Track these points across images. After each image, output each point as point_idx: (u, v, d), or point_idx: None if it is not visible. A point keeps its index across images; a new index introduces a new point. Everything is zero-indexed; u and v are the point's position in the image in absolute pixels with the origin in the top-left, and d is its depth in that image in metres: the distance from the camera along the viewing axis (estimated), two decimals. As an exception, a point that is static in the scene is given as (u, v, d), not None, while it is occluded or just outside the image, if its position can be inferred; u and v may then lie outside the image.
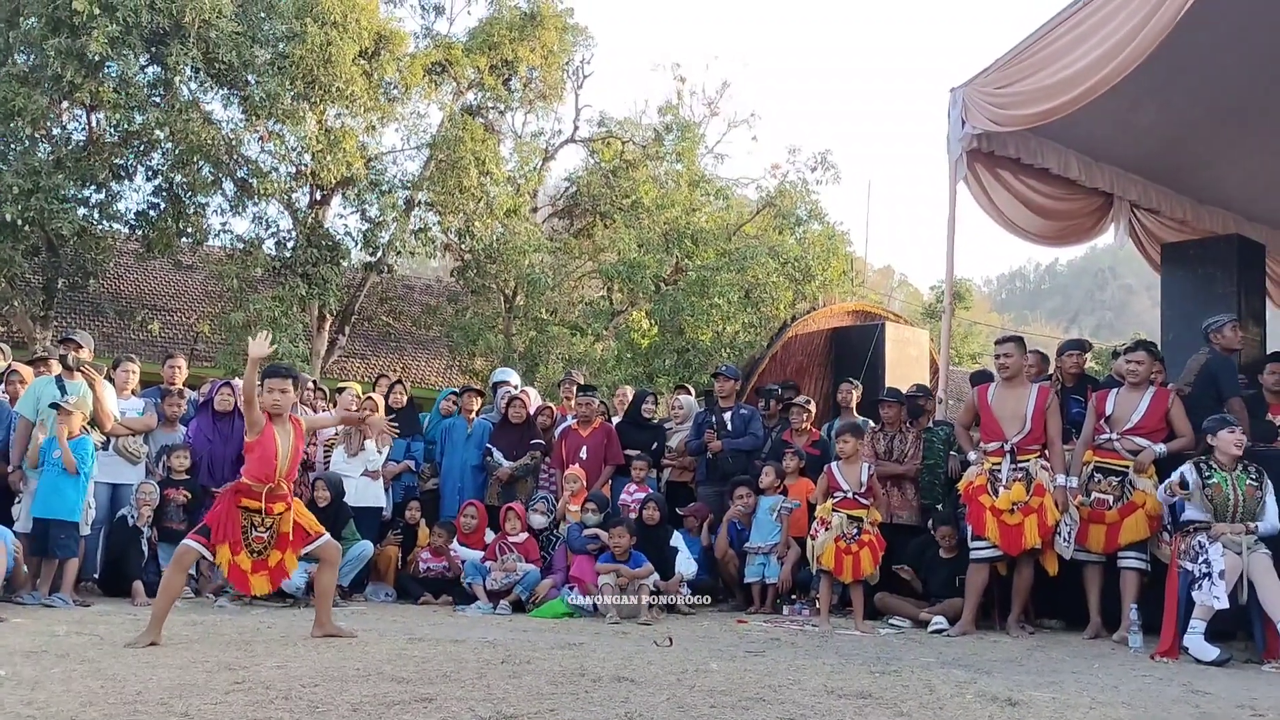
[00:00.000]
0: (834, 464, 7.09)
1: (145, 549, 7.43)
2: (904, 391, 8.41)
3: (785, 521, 7.72)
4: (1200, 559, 5.59)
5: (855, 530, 6.85)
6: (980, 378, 8.00)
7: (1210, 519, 5.73)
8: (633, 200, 20.23)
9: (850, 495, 6.91)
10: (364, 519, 8.00)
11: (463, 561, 7.88)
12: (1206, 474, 5.83)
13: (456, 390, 9.49)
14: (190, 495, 7.68)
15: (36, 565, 6.79)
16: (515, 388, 9.57)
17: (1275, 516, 5.74)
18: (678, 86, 23.43)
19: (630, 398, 9.46)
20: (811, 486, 7.81)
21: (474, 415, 9.03)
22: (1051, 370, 8.17)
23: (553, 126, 22.16)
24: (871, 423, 8.31)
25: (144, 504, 7.40)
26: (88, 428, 6.98)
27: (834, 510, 6.88)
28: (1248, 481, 5.79)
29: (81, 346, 7.35)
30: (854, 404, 8.86)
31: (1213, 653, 5.38)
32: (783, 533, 7.70)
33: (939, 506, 7.41)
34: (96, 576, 7.58)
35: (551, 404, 9.50)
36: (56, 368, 7.32)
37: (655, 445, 8.83)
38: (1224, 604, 5.42)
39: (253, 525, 5.30)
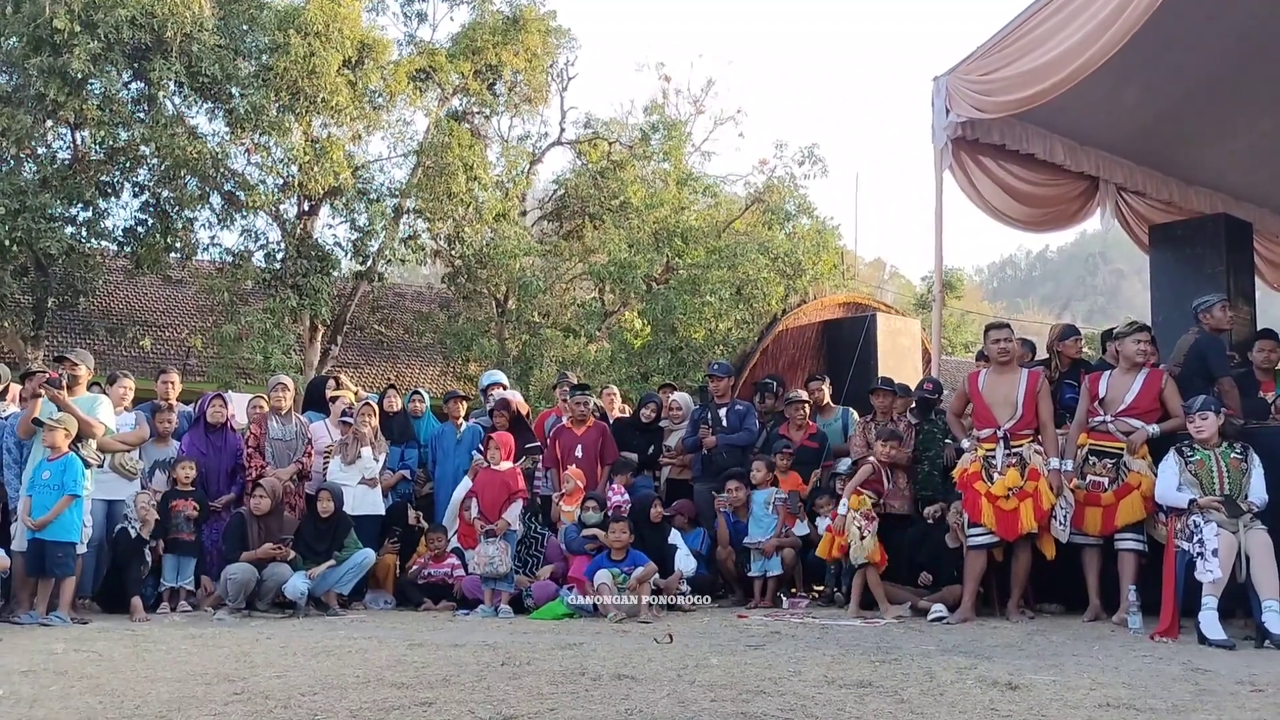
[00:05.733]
0: (875, 463, 7.25)
1: (149, 560, 7.40)
2: (915, 387, 8.41)
3: (780, 513, 7.74)
4: (1195, 538, 5.61)
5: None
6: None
7: (1199, 493, 5.77)
8: (621, 201, 20.21)
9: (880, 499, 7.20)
10: (363, 527, 7.98)
11: (465, 574, 7.87)
12: (1189, 454, 5.88)
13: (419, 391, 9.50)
14: (199, 507, 7.66)
15: (33, 584, 6.76)
16: (506, 389, 9.58)
17: (1262, 489, 5.77)
18: (663, 86, 23.37)
19: (616, 398, 9.71)
20: (800, 481, 7.86)
21: (462, 421, 9.00)
22: (1046, 356, 8.15)
23: (539, 129, 22.13)
24: (855, 413, 8.36)
25: (145, 516, 7.35)
26: (77, 446, 6.92)
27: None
28: (1232, 456, 5.83)
29: (78, 365, 7.30)
30: (826, 400, 8.86)
31: (1222, 635, 5.38)
32: (778, 524, 7.72)
33: (952, 507, 7.37)
34: (93, 593, 7.54)
35: (509, 397, 9.31)
36: None
37: (651, 449, 8.83)
38: (1218, 576, 5.44)
39: None
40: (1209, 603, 5.47)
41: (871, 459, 7.30)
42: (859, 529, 6.90)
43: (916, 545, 7.28)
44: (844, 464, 8.24)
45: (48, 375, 7.11)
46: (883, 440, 7.45)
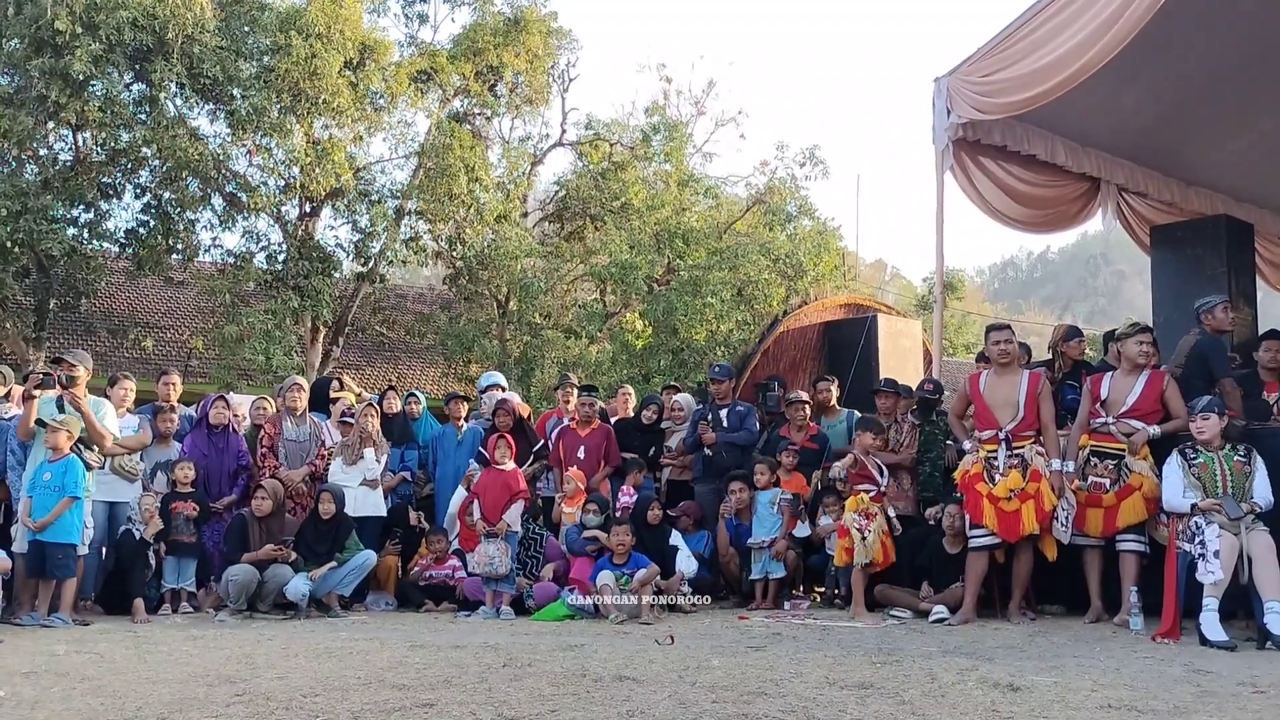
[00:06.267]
0: (860, 457, 7.17)
1: (153, 562, 7.41)
2: (916, 387, 8.42)
3: (786, 513, 7.73)
4: (1197, 539, 5.61)
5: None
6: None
7: (1201, 495, 5.78)
8: (622, 202, 20.19)
9: (884, 489, 7.10)
10: (365, 528, 7.98)
11: (466, 575, 7.86)
12: (1193, 456, 5.88)
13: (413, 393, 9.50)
14: (199, 508, 7.67)
15: (35, 586, 6.76)
16: (505, 390, 9.59)
17: (1266, 490, 5.76)
18: (664, 87, 23.36)
19: (632, 396, 9.69)
20: (804, 482, 7.86)
21: (463, 422, 9.00)
22: (1048, 356, 8.14)
23: (540, 131, 22.10)
24: (857, 413, 8.36)
25: (150, 518, 7.36)
26: (79, 448, 6.92)
27: (871, 503, 7.01)
28: (1235, 459, 5.83)
29: (76, 365, 7.28)
30: (833, 401, 8.85)
31: (1222, 636, 5.39)
32: (783, 525, 7.72)
33: (945, 510, 7.39)
34: (94, 595, 7.54)
35: (510, 399, 9.26)
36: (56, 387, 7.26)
37: (652, 450, 8.85)
38: (1219, 578, 5.45)
39: None
40: (1210, 604, 5.48)
41: (852, 450, 7.27)
42: (858, 529, 6.91)
43: (917, 547, 7.27)
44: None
45: (39, 377, 7.10)
46: (859, 430, 7.42)
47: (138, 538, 7.30)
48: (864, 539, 6.87)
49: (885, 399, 8.23)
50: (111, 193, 16.89)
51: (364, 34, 17.10)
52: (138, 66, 15.63)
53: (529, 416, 9.45)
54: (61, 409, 6.98)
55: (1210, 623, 5.45)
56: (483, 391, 9.74)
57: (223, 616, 7.13)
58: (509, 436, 8.13)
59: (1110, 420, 6.50)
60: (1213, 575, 5.46)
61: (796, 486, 7.85)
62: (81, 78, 14.44)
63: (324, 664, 4.86)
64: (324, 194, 17.31)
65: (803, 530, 7.78)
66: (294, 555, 7.41)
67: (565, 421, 8.95)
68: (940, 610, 6.63)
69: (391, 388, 9.62)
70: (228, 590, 7.28)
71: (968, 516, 6.66)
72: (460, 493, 8.27)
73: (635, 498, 8.04)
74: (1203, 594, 5.51)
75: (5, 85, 15.46)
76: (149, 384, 9.16)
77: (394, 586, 8.30)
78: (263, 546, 7.36)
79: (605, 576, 7.11)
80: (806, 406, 8.51)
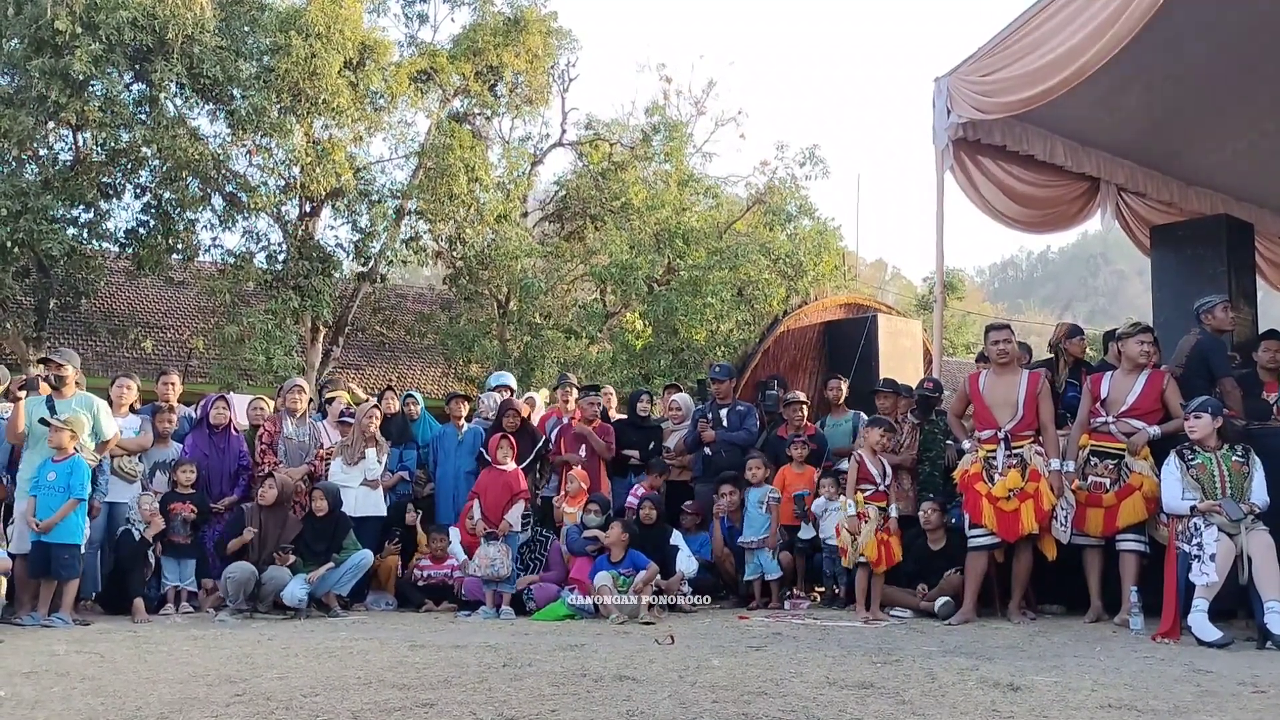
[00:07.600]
0: (862, 455, 7.12)
1: (152, 562, 7.41)
2: (916, 386, 8.42)
3: (775, 511, 7.73)
4: (1194, 540, 5.61)
5: (883, 520, 6.98)
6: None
7: (1200, 496, 5.78)
8: (622, 202, 20.21)
9: (882, 488, 7.03)
10: (365, 527, 7.98)
11: (465, 575, 7.85)
12: (1190, 457, 5.88)
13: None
14: (197, 510, 7.67)
15: (35, 586, 6.76)
16: (513, 390, 9.60)
17: (1263, 491, 5.76)
18: (664, 87, 23.42)
19: (614, 397, 9.68)
20: (813, 478, 7.85)
21: (463, 422, 8.99)
22: (1049, 355, 8.12)
23: (540, 131, 22.12)
24: (863, 414, 8.36)
25: (151, 518, 7.36)
26: (80, 448, 6.91)
27: (866, 502, 6.96)
28: (1233, 459, 5.82)
29: (64, 365, 7.23)
30: (842, 400, 8.85)
31: (1214, 634, 5.39)
32: (772, 523, 7.70)
33: (922, 506, 7.40)
34: (95, 595, 7.54)
35: (518, 402, 9.23)
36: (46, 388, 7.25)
37: (651, 445, 8.85)
38: (1213, 580, 5.46)
39: None
40: (1199, 605, 5.50)
41: (858, 451, 7.24)
42: (849, 530, 6.91)
43: (910, 549, 7.25)
44: (844, 465, 8.23)
45: (23, 380, 7.07)
46: (868, 427, 7.36)
47: (137, 538, 7.29)
48: (854, 539, 6.86)
49: (885, 399, 8.23)
50: (111, 193, 16.87)
51: (364, 34, 17.09)
52: (138, 66, 15.62)
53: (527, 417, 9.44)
54: (52, 409, 6.95)
55: (1200, 623, 5.46)
56: (490, 389, 9.73)
57: (223, 616, 7.13)
58: (511, 436, 8.13)
59: (1110, 420, 6.50)
60: (1205, 578, 5.46)
61: (806, 481, 7.82)
62: (81, 78, 14.43)
63: (324, 664, 4.86)
64: (324, 194, 17.30)
65: (808, 532, 7.77)
66: (292, 558, 7.40)
67: (565, 421, 8.95)
68: (943, 600, 6.63)
69: (389, 388, 9.63)
70: (226, 589, 7.28)
71: (967, 516, 6.66)
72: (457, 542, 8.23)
73: (643, 497, 8.02)
74: (1197, 594, 5.51)
75: (5, 85, 15.45)
76: (150, 384, 9.16)
77: (394, 586, 8.30)
78: (260, 538, 7.35)
79: (603, 578, 7.11)
80: (804, 407, 8.51)
